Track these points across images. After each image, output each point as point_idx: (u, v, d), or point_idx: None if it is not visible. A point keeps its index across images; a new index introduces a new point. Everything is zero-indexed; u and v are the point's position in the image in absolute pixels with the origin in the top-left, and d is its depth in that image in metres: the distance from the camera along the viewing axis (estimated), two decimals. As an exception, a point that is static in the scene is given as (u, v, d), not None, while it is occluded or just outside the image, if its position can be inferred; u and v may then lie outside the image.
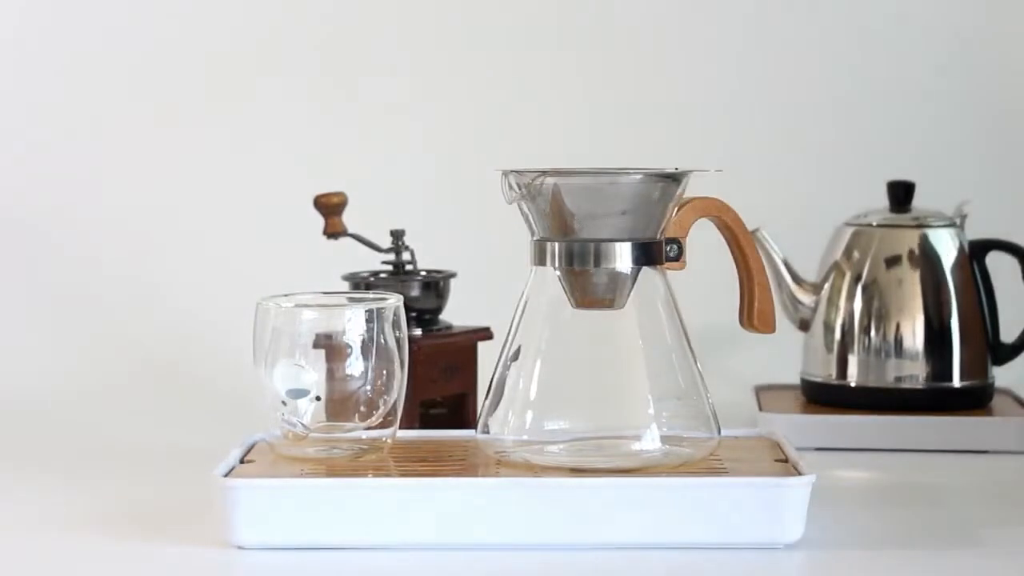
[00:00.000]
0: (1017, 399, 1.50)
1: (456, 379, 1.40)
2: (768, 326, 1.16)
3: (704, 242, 1.17)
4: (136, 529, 1.12)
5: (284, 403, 1.13)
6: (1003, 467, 1.34)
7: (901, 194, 1.48)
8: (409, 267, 1.42)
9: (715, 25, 1.84)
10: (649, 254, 1.12)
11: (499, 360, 1.14)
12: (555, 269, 1.12)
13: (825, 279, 1.47)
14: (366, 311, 1.14)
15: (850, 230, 1.48)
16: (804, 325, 1.48)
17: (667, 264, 1.13)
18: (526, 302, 1.14)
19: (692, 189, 1.13)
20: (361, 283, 1.39)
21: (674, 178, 1.11)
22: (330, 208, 1.40)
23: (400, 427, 1.16)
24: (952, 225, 1.47)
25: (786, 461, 1.13)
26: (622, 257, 1.11)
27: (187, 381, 1.65)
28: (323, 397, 1.13)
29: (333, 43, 1.86)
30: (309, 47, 1.86)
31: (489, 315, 1.39)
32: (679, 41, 1.84)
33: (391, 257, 1.42)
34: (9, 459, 1.38)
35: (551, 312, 1.13)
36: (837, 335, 1.45)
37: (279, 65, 1.86)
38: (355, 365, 1.13)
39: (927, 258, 1.45)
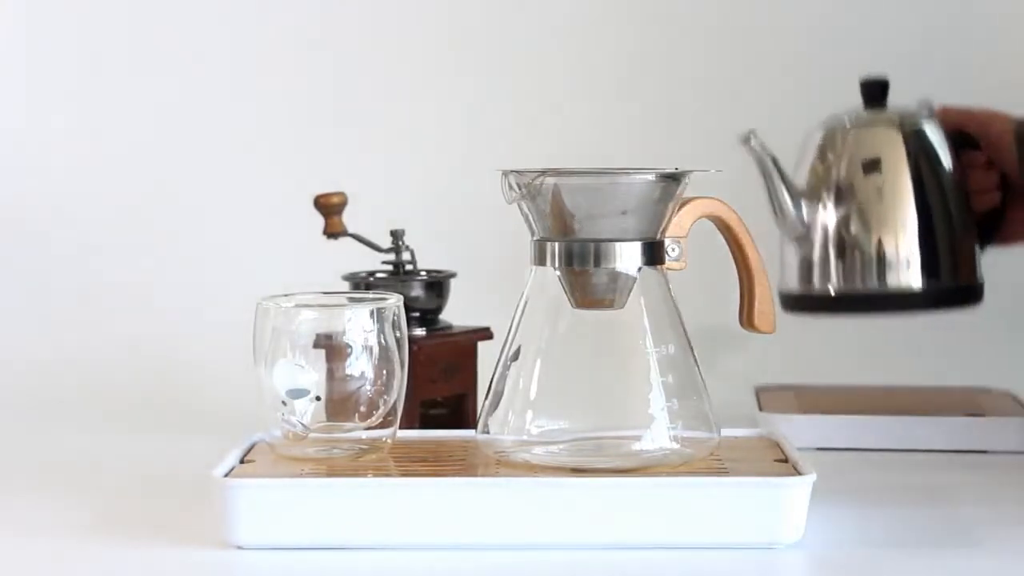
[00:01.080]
0: (1017, 399, 1.50)
1: (456, 379, 1.40)
2: (768, 326, 1.16)
3: (704, 242, 1.17)
4: (136, 529, 1.12)
5: (284, 403, 1.13)
6: (1003, 467, 1.34)
7: (877, 92, 1.44)
8: (409, 267, 1.42)
9: (714, 25, 1.84)
10: (649, 254, 1.12)
11: (499, 360, 1.14)
12: (555, 269, 1.12)
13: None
14: (366, 311, 1.14)
15: (821, 132, 1.43)
16: (801, 238, 1.40)
17: (667, 264, 1.13)
18: (526, 302, 1.14)
19: (692, 189, 1.13)
20: (361, 283, 1.39)
21: (674, 178, 1.11)
22: (330, 208, 1.40)
23: (400, 427, 1.16)
24: (927, 118, 1.43)
25: (786, 461, 1.13)
26: (622, 257, 1.11)
27: (187, 381, 1.65)
28: (323, 397, 1.13)
29: (333, 43, 1.86)
30: (309, 46, 1.86)
31: (489, 315, 1.39)
32: (680, 41, 1.84)
33: (391, 257, 1.42)
34: (9, 459, 1.38)
35: (551, 312, 1.13)
36: (818, 241, 1.40)
37: (279, 64, 1.86)
38: (355, 365, 1.13)
39: (909, 155, 1.40)
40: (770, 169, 1.39)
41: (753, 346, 1.45)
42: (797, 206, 1.39)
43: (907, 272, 1.39)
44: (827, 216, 1.40)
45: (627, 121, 1.82)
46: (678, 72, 1.83)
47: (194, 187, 1.83)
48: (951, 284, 1.40)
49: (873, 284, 1.39)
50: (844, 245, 1.39)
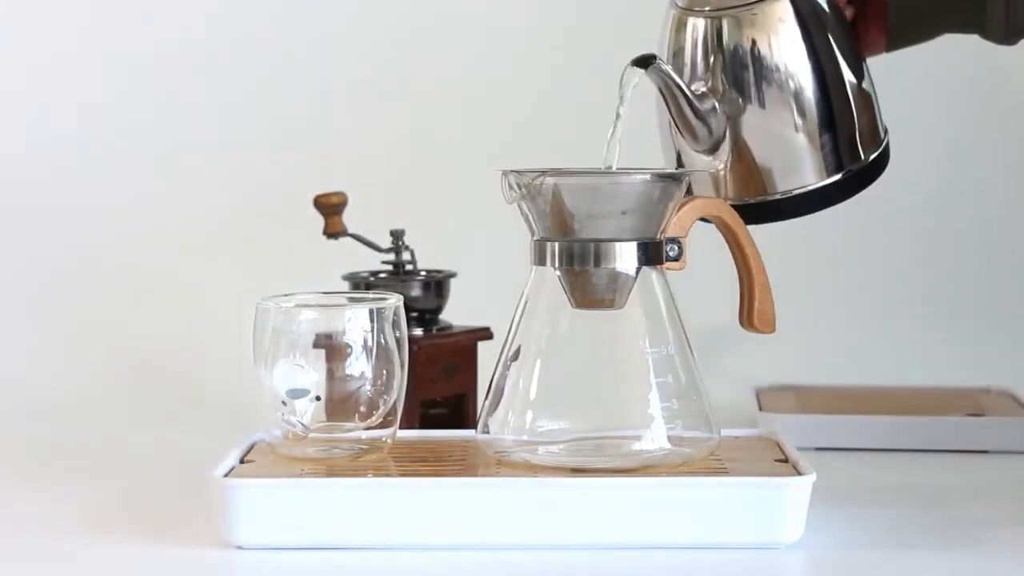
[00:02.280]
0: (1017, 399, 1.50)
1: (456, 379, 1.40)
2: (768, 326, 1.16)
3: (704, 242, 1.17)
4: (136, 529, 1.12)
5: (284, 403, 1.13)
6: (1003, 467, 1.34)
7: None
8: (409, 267, 1.42)
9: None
10: (649, 254, 1.12)
11: (499, 360, 1.14)
12: (555, 269, 1.12)
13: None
14: (366, 311, 1.14)
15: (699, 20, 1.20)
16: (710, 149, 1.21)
17: (667, 264, 1.13)
18: (526, 302, 1.14)
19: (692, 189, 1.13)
20: (361, 283, 1.39)
21: (674, 178, 1.11)
22: (330, 208, 1.40)
23: (400, 427, 1.16)
24: None
25: (786, 461, 1.13)
26: (622, 257, 1.11)
27: (187, 381, 1.65)
28: (323, 397, 1.13)
29: (333, 42, 1.86)
30: (309, 46, 1.86)
31: (489, 315, 1.39)
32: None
33: (391, 257, 1.42)
34: (9, 459, 1.38)
35: (551, 312, 1.13)
36: (728, 149, 1.20)
37: (279, 64, 1.86)
38: (355, 365, 1.13)
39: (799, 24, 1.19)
40: (676, 92, 1.19)
41: (753, 346, 1.45)
42: (707, 124, 1.20)
43: (827, 156, 1.20)
44: (732, 123, 1.20)
45: (627, 121, 1.82)
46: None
47: (194, 187, 1.83)
48: (865, 158, 1.22)
49: (796, 182, 1.21)
50: (757, 147, 1.20)
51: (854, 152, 1.21)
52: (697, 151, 1.22)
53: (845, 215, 1.51)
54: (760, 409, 1.45)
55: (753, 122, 1.19)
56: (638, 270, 1.11)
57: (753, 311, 1.16)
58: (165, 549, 1.07)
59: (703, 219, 1.14)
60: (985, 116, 1.83)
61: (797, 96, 1.19)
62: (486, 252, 1.66)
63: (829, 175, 1.20)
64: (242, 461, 1.13)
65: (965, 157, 1.82)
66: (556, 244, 1.11)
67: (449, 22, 1.86)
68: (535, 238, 1.13)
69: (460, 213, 1.78)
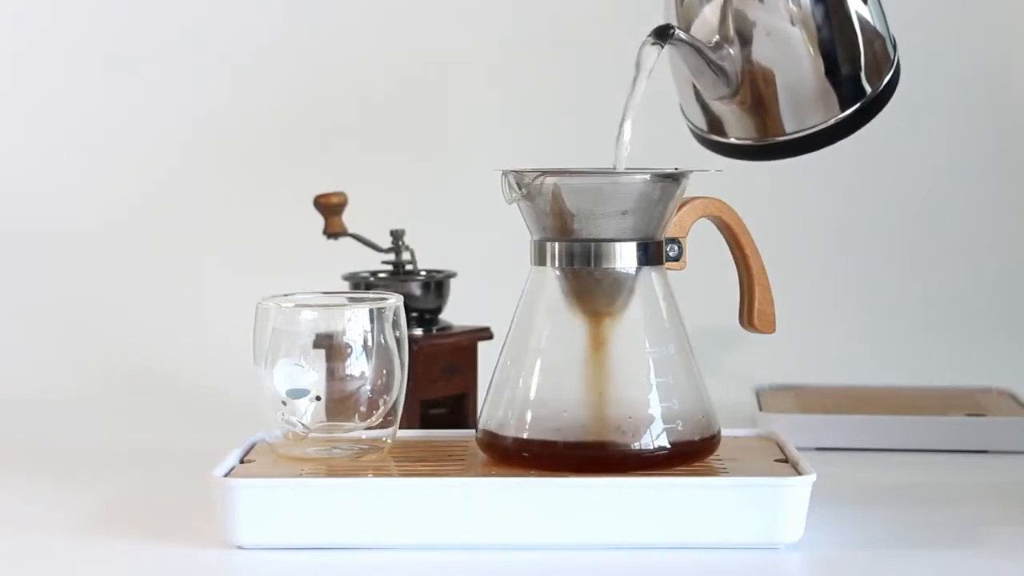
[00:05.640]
0: (1017, 399, 1.50)
1: (456, 379, 1.40)
2: (768, 326, 1.16)
3: (704, 242, 1.17)
4: (136, 529, 1.12)
5: (284, 403, 1.13)
6: (1003, 467, 1.34)
7: None
8: (409, 267, 1.42)
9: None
10: (649, 254, 1.12)
11: (499, 360, 1.14)
12: (555, 269, 1.12)
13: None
14: (366, 311, 1.14)
15: None
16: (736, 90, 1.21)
17: (667, 264, 1.13)
18: (526, 302, 1.14)
19: (692, 189, 1.13)
20: (361, 283, 1.39)
21: (674, 178, 1.11)
22: (330, 208, 1.40)
23: (400, 427, 1.16)
24: None
25: (786, 461, 1.13)
26: (622, 257, 1.11)
27: (187, 381, 1.65)
28: (323, 397, 1.13)
29: (333, 42, 1.86)
30: (310, 46, 1.86)
31: (489, 315, 1.39)
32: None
33: (391, 257, 1.42)
34: (9, 459, 1.38)
35: (551, 312, 1.13)
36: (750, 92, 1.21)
37: (280, 64, 1.86)
38: (355, 365, 1.13)
39: None
40: (696, 54, 1.19)
41: (753, 346, 1.45)
42: (725, 73, 1.20)
43: (851, 85, 1.20)
44: (747, 70, 1.20)
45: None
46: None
47: (194, 187, 1.83)
48: (879, 84, 1.22)
49: (819, 117, 1.21)
50: (769, 89, 1.20)
51: (870, 79, 1.21)
52: (715, 99, 1.22)
53: (845, 215, 1.51)
54: (760, 409, 1.45)
55: (769, 61, 1.18)
56: (638, 270, 1.12)
57: (753, 311, 1.16)
58: (165, 549, 1.07)
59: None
60: (985, 116, 1.83)
61: (807, 29, 1.18)
62: (486, 252, 1.66)
63: (843, 109, 1.20)
64: (242, 461, 1.13)
65: (965, 157, 1.82)
66: (556, 244, 1.11)
67: (450, 22, 1.86)
68: (535, 238, 1.13)
69: (460, 213, 1.78)
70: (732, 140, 1.24)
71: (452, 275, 1.42)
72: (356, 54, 1.86)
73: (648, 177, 1.10)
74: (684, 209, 1.13)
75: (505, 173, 1.11)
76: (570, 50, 1.86)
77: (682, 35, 1.17)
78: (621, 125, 1.14)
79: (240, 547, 1.05)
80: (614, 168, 1.12)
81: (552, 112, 1.84)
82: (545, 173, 1.09)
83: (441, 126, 1.85)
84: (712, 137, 1.25)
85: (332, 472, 1.10)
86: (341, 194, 1.41)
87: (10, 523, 1.16)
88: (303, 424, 1.13)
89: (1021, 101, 1.83)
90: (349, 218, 1.41)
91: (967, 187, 1.81)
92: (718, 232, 1.16)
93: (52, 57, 1.85)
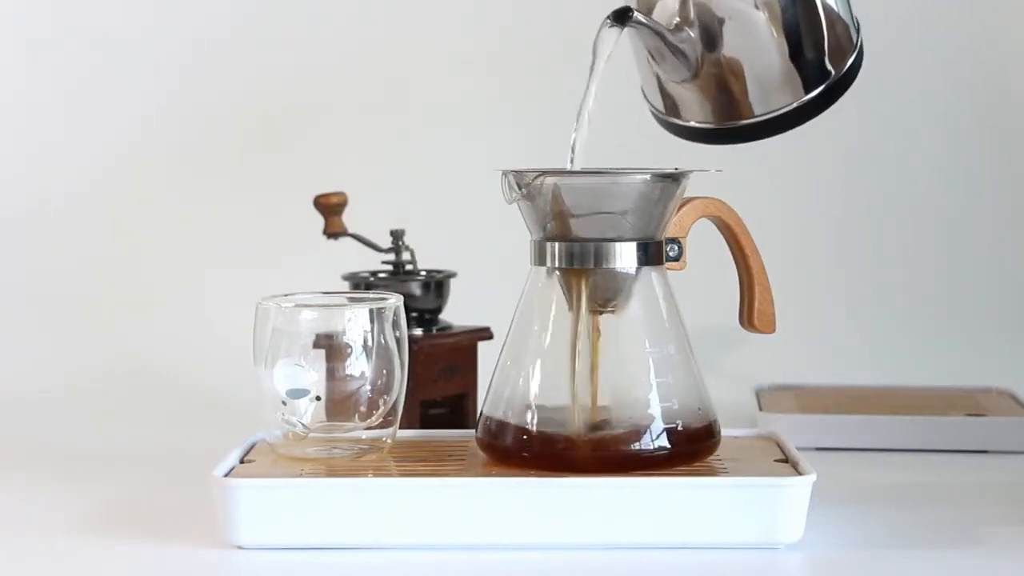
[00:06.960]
0: (1017, 399, 1.50)
1: (456, 379, 1.40)
2: (768, 326, 1.16)
3: (704, 242, 1.17)
4: (136, 529, 1.12)
5: (284, 403, 1.13)
6: (1003, 467, 1.34)
7: None
8: (409, 267, 1.42)
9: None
10: (649, 254, 1.12)
11: (499, 360, 1.14)
12: (555, 269, 1.12)
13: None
14: (366, 311, 1.14)
15: None
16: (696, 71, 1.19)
17: (667, 264, 1.13)
18: (526, 302, 1.14)
19: (692, 189, 1.13)
20: (361, 283, 1.39)
21: (674, 178, 1.11)
22: (330, 208, 1.40)
23: (400, 427, 1.16)
24: None
25: (786, 461, 1.13)
26: (622, 257, 1.11)
27: (187, 381, 1.65)
28: (323, 397, 1.13)
29: (333, 42, 1.86)
30: (309, 46, 1.86)
31: (489, 315, 1.39)
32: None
33: (391, 257, 1.42)
34: (9, 459, 1.38)
35: (551, 312, 1.13)
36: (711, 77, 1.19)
37: (280, 63, 1.86)
38: (355, 365, 1.13)
39: None
40: (655, 37, 1.19)
41: (753, 346, 1.45)
42: (685, 56, 1.19)
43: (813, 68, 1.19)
44: (709, 53, 1.18)
45: (628, 121, 1.82)
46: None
47: (194, 187, 1.83)
48: (841, 67, 1.20)
49: (783, 99, 1.19)
50: (734, 72, 1.19)
51: (833, 62, 1.19)
52: (676, 81, 1.21)
53: (845, 215, 1.51)
54: (760, 409, 1.45)
55: (731, 44, 1.17)
56: (638, 270, 1.12)
57: (753, 311, 1.16)
58: (165, 549, 1.07)
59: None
60: (985, 116, 1.83)
61: (769, 11, 1.17)
62: (486, 252, 1.66)
63: (808, 91, 1.18)
64: (242, 461, 1.13)
65: (965, 157, 1.82)
66: (556, 244, 1.11)
67: (450, 21, 1.86)
68: (535, 238, 1.13)
69: (460, 213, 1.78)
70: (692, 123, 1.23)
71: (452, 275, 1.42)
72: (357, 54, 1.86)
73: (648, 177, 1.10)
74: (684, 209, 1.13)
75: (505, 173, 1.11)
76: (570, 50, 1.85)
77: (641, 18, 1.16)
78: (580, 109, 1.14)
79: (240, 547, 1.05)
80: (572, 152, 1.11)
81: (552, 112, 1.83)
82: (545, 173, 1.09)
83: (441, 126, 1.85)
84: (672, 120, 1.24)
85: (332, 472, 1.10)
86: (341, 194, 1.41)
87: (10, 523, 1.16)
88: (303, 424, 1.13)
89: (1021, 101, 1.83)
90: (349, 218, 1.41)
91: (967, 187, 1.81)
92: (718, 232, 1.16)
93: (52, 56, 1.85)
